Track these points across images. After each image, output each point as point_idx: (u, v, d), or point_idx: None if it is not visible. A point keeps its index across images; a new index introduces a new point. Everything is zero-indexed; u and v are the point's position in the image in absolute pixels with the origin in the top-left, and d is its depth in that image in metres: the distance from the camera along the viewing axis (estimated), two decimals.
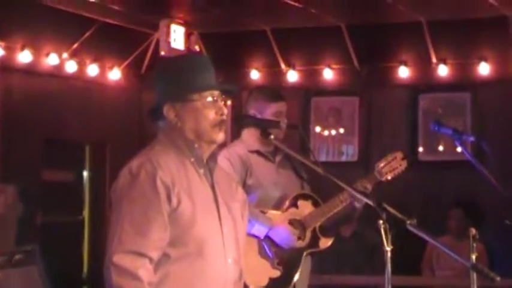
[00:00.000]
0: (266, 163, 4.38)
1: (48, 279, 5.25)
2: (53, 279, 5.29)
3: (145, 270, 2.69)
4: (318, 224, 4.34)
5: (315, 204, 4.38)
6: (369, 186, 4.27)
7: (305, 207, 4.36)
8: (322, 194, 4.40)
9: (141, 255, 2.70)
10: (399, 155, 4.40)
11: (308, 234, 4.34)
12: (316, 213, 4.34)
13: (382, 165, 4.35)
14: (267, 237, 4.26)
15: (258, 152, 4.38)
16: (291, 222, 4.32)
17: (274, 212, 4.32)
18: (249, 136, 4.40)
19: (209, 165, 2.91)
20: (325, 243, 4.38)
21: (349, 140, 7.55)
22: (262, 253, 4.25)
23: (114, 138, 7.52)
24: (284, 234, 4.25)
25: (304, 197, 4.39)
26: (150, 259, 2.71)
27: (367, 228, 6.59)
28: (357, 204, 4.26)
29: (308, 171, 4.37)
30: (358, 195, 3.33)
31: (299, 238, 4.31)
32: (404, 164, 4.38)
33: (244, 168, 4.29)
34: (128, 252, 2.69)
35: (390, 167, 4.36)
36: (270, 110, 4.36)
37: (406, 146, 7.18)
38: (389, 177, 4.35)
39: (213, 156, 2.92)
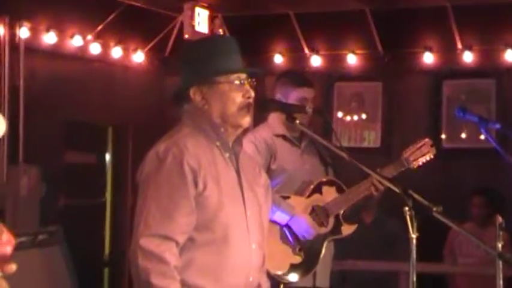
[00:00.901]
0: (291, 148, 4.35)
1: (70, 260, 5.28)
2: (75, 261, 5.32)
3: (171, 254, 2.69)
4: (341, 211, 4.31)
5: (339, 190, 4.34)
6: (394, 173, 4.23)
7: (329, 194, 4.32)
8: (346, 180, 4.38)
9: (168, 238, 2.70)
10: (428, 141, 4.33)
11: (331, 220, 4.31)
12: (339, 199, 4.30)
13: (409, 151, 4.30)
14: (288, 225, 4.24)
15: (283, 137, 4.35)
16: (314, 209, 4.30)
17: (297, 197, 4.29)
18: (275, 120, 4.37)
19: (234, 149, 2.90)
20: (348, 229, 4.35)
21: (371, 126, 7.51)
22: (283, 239, 4.23)
23: (136, 121, 7.53)
24: (303, 226, 4.21)
25: (329, 183, 4.36)
26: (177, 243, 2.72)
27: (388, 217, 6.57)
28: (375, 192, 4.22)
29: (332, 157, 4.34)
30: (384, 181, 3.30)
31: (322, 224, 4.28)
32: (432, 151, 4.31)
33: (269, 153, 4.26)
34: (154, 235, 2.69)
35: (418, 153, 4.30)
36: (294, 95, 4.33)
37: (428, 132, 7.10)
38: (416, 165, 4.30)
39: (238, 140, 2.91)
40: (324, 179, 4.37)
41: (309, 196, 4.32)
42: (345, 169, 4.01)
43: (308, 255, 4.25)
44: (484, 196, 6.61)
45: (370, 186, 4.21)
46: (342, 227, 4.34)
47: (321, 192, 4.33)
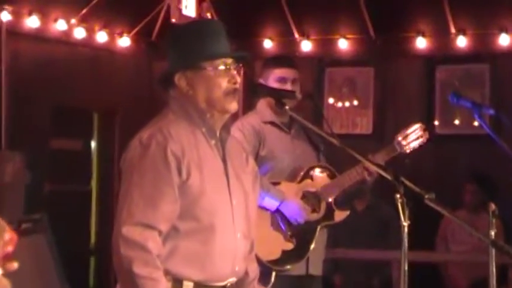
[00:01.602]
0: (281, 134, 4.35)
1: (55, 248, 5.27)
2: (60, 249, 5.31)
3: (154, 243, 2.69)
4: (333, 197, 4.31)
5: (331, 176, 4.34)
6: (387, 158, 4.23)
7: (320, 179, 4.32)
8: (337, 166, 4.37)
9: (151, 227, 2.69)
10: (420, 126, 4.34)
11: (323, 206, 4.31)
12: (331, 185, 4.30)
13: (402, 136, 4.30)
14: (278, 210, 4.24)
15: (272, 123, 4.35)
16: (305, 195, 4.30)
17: (288, 183, 4.29)
18: (264, 107, 4.37)
19: (221, 136, 2.89)
20: (341, 216, 4.35)
21: (363, 112, 7.52)
22: (274, 225, 4.23)
23: (123, 107, 7.52)
24: (294, 210, 4.21)
25: (320, 168, 4.36)
26: (160, 231, 2.71)
27: (381, 203, 6.59)
28: (368, 177, 4.23)
29: (324, 142, 4.34)
30: (375, 168, 3.30)
31: (314, 210, 4.28)
32: (425, 136, 4.31)
33: (257, 139, 4.26)
34: (137, 224, 2.69)
35: (410, 138, 4.30)
36: (272, 77, 4.32)
37: (421, 118, 7.07)
38: (409, 149, 4.30)
39: (225, 127, 2.91)
40: (315, 165, 4.36)
41: (299, 182, 4.32)
42: (337, 155, 4.00)
43: (300, 242, 4.25)
44: (475, 183, 6.63)
45: (363, 171, 4.21)
46: (335, 213, 4.33)
47: (312, 178, 4.33)
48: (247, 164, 3.00)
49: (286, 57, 4.68)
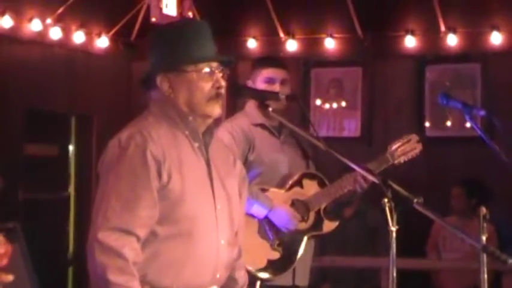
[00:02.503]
0: (270, 138, 4.33)
1: (31, 259, 5.25)
2: (36, 260, 5.29)
3: (130, 249, 2.68)
4: (322, 206, 4.30)
5: (321, 184, 4.32)
6: (378, 170, 4.22)
7: (310, 187, 4.30)
8: (327, 173, 4.36)
9: (128, 232, 2.69)
10: (414, 137, 4.34)
11: (312, 216, 4.29)
12: (321, 194, 4.28)
13: (395, 147, 4.30)
14: (267, 218, 4.23)
15: (262, 126, 4.33)
16: (294, 203, 4.28)
17: (276, 190, 4.27)
18: (253, 108, 4.34)
19: (205, 139, 2.90)
20: (330, 226, 4.33)
21: (351, 114, 7.54)
22: (261, 233, 4.21)
23: (101, 110, 7.51)
24: (284, 217, 4.20)
25: (310, 176, 4.34)
26: (137, 237, 2.71)
27: (369, 208, 6.61)
28: (359, 189, 4.24)
29: (313, 148, 4.33)
30: (363, 172, 3.31)
31: (302, 220, 4.27)
32: (419, 147, 4.32)
33: (247, 143, 4.24)
34: (113, 229, 2.68)
35: (404, 149, 4.30)
36: (260, 78, 4.31)
37: (411, 120, 7.18)
38: (402, 161, 4.30)
39: (209, 130, 2.91)
40: (306, 172, 4.35)
41: (289, 189, 4.29)
42: (327, 162, 4.01)
43: (287, 251, 4.24)
44: (462, 187, 6.64)
45: (354, 183, 4.22)
46: (323, 223, 4.32)
47: (301, 186, 4.31)
48: (234, 167, 3.00)
49: (274, 57, 4.68)
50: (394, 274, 2.79)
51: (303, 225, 4.28)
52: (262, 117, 4.33)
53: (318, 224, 4.32)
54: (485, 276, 3.04)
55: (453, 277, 6.67)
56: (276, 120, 4.29)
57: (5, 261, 2.02)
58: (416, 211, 2.86)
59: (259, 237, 4.21)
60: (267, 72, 4.32)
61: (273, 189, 4.27)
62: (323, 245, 5.79)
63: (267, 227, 4.22)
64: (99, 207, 2.73)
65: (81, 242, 7.34)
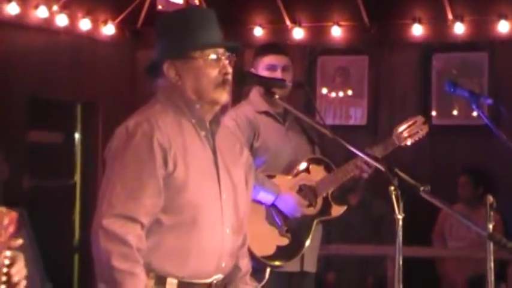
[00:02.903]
0: (275, 125, 4.34)
1: (37, 245, 5.27)
2: (42, 247, 5.31)
3: (134, 236, 2.69)
4: (330, 191, 4.30)
5: (328, 169, 4.32)
6: (385, 153, 4.24)
7: (317, 173, 4.30)
8: (332, 159, 4.36)
9: (132, 220, 2.70)
10: (420, 119, 4.35)
11: (319, 201, 4.30)
12: (328, 179, 4.29)
13: (401, 129, 4.30)
14: (274, 205, 4.23)
15: (266, 113, 4.33)
16: (301, 188, 4.28)
17: (283, 176, 4.28)
18: (257, 96, 4.35)
19: (211, 127, 2.90)
20: (338, 211, 4.33)
21: (357, 102, 7.53)
22: (269, 220, 4.22)
23: (107, 98, 7.51)
24: (291, 204, 4.20)
25: (317, 161, 4.34)
26: (142, 224, 2.72)
27: (374, 198, 6.62)
28: (365, 175, 4.24)
29: (318, 134, 4.34)
30: (369, 160, 3.32)
31: (310, 205, 4.27)
32: (425, 129, 4.33)
33: (252, 130, 4.25)
34: (118, 216, 2.70)
35: (410, 131, 4.30)
36: (262, 65, 4.32)
37: (418, 109, 7.16)
38: (408, 143, 4.30)
39: (215, 118, 2.91)
40: (312, 157, 4.35)
41: (295, 175, 4.30)
42: (332, 148, 4.01)
43: (296, 237, 4.24)
44: (469, 175, 6.65)
45: (361, 165, 4.21)
46: (332, 208, 4.32)
47: (308, 171, 4.32)
48: (241, 156, 3.00)
49: (275, 44, 4.68)
50: (401, 262, 2.79)
51: (311, 211, 4.28)
52: (266, 104, 4.34)
53: (326, 208, 4.32)
54: (492, 264, 3.04)
55: (459, 265, 6.69)
56: (280, 107, 4.30)
57: (11, 229, 2.10)
58: (422, 200, 2.86)
59: (267, 223, 4.22)
60: (268, 59, 4.33)
61: (279, 176, 4.27)
62: (328, 235, 5.79)
63: (275, 213, 4.23)
64: (105, 194, 2.74)
65: (87, 229, 7.30)
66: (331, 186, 4.30)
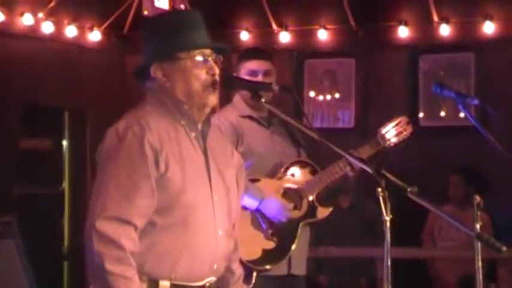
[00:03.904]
0: (259, 129, 4.34)
1: (26, 253, 5.25)
2: (31, 254, 5.30)
3: (128, 239, 2.69)
4: (315, 193, 4.31)
5: (313, 172, 4.33)
6: (370, 153, 4.25)
7: (302, 175, 4.31)
8: (319, 162, 4.38)
9: (126, 222, 2.70)
10: (404, 119, 4.36)
11: (305, 203, 4.30)
12: (313, 181, 4.30)
13: (385, 130, 4.31)
14: (258, 209, 4.23)
15: (250, 117, 4.34)
16: (286, 191, 4.29)
17: (268, 180, 4.28)
18: (240, 101, 4.36)
19: (203, 128, 2.91)
20: (323, 212, 4.33)
21: (345, 105, 7.55)
22: (255, 224, 4.21)
23: (94, 104, 7.50)
24: (275, 208, 4.20)
25: (302, 164, 4.35)
26: (135, 226, 2.71)
27: (367, 200, 6.63)
28: (350, 173, 4.25)
29: (305, 137, 4.34)
30: (356, 161, 3.32)
31: (295, 208, 4.28)
32: (409, 129, 4.34)
33: (235, 135, 4.24)
34: (111, 218, 2.69)
35: (394, 132, 4.32)
36: (243, 71, 4.32)
37: (406, 111, 7.13)
38: (392, 143, 4.32)
39: (207, 120, 2.91)
40: (297, 160, 4.36)
41: (280, 178, 4.30)
42: (319, 151, 4.02)
43: (282, 240, 4.24)
44: (460, 175, 6.66)
45: (345, 166, 4.22)
46: (317, 210, 4.32)
47: (293, 174, 4.33)
48: (232, 158, 3.01)
49: (257, 49, 4.68)
50: (389, 263, 2.79)
51: (297, 214, 4.28)
52: (249, 109, 4.34)
53: (311, 211, 4.32)
54: (480, 264, 3.05)
55: (449, 266, 6.70)
56: (264, 111, 4.31)
57: None
58: (412, 201, 2.87)
59: (253, 228, 4.22)
60: (248, 65, 4.33)
61: (264, 179, 4.27)
62: (320, 238, 5.79)
63: (260, 217, 4.23)
64: (97, 196, 2.73)
65: (76, 236, 7.34)
66: (316, 188, 4.30)
